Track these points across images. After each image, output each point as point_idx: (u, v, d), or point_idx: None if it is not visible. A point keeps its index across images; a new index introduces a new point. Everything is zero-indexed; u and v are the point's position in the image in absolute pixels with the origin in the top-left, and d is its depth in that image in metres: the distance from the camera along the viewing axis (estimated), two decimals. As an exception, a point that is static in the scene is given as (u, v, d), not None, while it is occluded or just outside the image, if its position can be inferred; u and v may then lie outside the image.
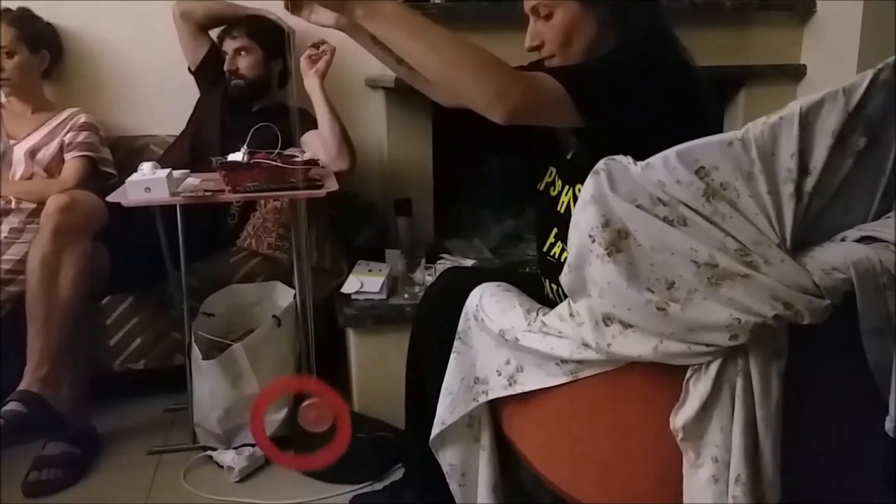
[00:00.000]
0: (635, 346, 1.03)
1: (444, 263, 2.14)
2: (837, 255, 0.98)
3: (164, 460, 1.88)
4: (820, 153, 0.96)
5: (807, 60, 2.44)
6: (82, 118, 2.21)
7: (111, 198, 1.73)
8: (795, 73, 2.45)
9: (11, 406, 1.63)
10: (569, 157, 1.39)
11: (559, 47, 1.30)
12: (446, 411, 1.29)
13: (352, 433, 1.80)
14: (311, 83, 2.02)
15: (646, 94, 1.20)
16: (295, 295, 1.96)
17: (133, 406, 2.12)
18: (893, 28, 2.14)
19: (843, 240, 1.02)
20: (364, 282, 2.01)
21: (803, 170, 0.96)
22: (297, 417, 1.21)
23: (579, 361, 1.11)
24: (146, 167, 1.74)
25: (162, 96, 2.40)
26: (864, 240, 1.01)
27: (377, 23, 1.14)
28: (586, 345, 1.07)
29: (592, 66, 1.26)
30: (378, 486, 1.73)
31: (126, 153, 2.33)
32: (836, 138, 0.96)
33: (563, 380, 1.13)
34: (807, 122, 0.95)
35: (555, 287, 1.36)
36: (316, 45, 2.01)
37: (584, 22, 1.28)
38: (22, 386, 1.69)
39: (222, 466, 1.81)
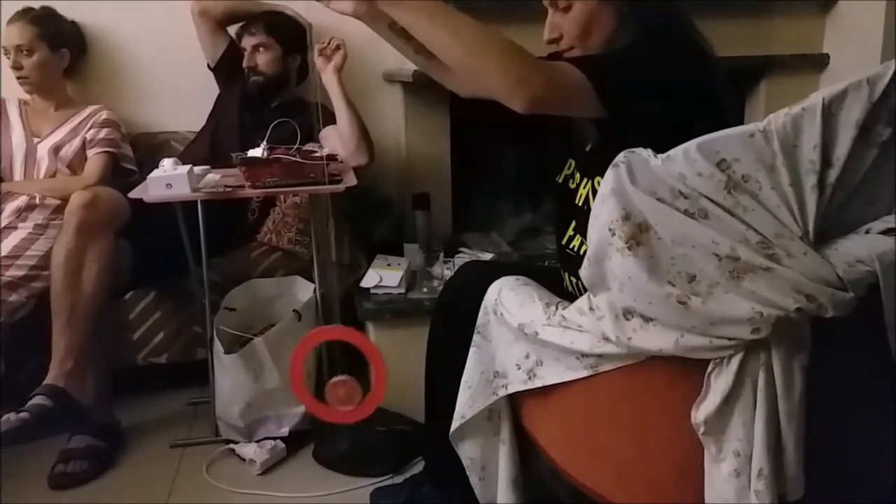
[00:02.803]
0: (656, 340, 1.02)
1: (463, 257, 2.15)
2: (861, 248, 0.97)
3: (186, 453, 1.90)
4: (843, 144, 0.95)
5: (829, 50, 2.41)
6: (104, 115, 2.23)
7: (133, 194, 1.74)
8: (818, 63, 2.42)
9: (37, 400, 1.65)
10: (588, 149, 1.38)
11: (578, 39, 1.29)
12: (466, 405, 1.29)
13: (371, 427, 1.83)
14: (329, 78, 2.03)
15: (667, 85, 1.19)
16: (315, 289, 1.97)
17: (156, 400, 2.15)
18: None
19: (867, 232, 1.01)
20: (383, 276, 2.01)
21: (826, 161, 0.95)
22: (326, 395, 1.21)
23: (599, 355, 1.10)
24: (167, 163, 1.76)
25: (182, 93, 2.42)
26: (888, 232, 1.00)
27: (400, 10, 1.13)
28: (606, 339, 1.07)
29: (615, 55, 1.25)
30: (398, 479, 1.74)
31: (147, 150, 2.35)
32: (859, 129, 0.94)
33: (583, 374, 1.13)
34: (830, 113, 0.94)
35: (574, 280, 1.35)
36: (328, 42, 2.02)
37: (603, 13, 1.27)
38: (48, 380, 1.71)
39: (244, 459, 1.83)
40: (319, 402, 1.24)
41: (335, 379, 1.24)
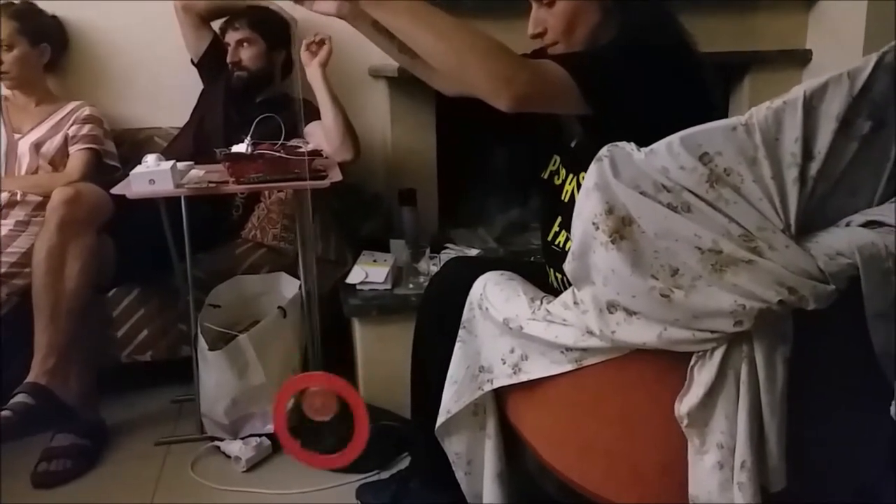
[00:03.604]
0: (640, 333, 1.03)
1: (449, 253, 2.15)
2: (842, 240, 0.98)
3: (171, 451, 1.89)
4: (824, 137, 0.95)
5: (812, 45, 2.43)
6: (86, 111, 2.21)
7: (116, 190, 1.73)
8: (801, 59, 2.44)
9: (19, 398, 1.64)
10: (573, 145, 1.38)
11: (562, 34, 1.29)
12: (451, 400, 1.29)
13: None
14: (314, 73, 2.02)
15: (650, 80, 1.19)
16: (300, 286, 1.96)
17: (140, 397, 2.13)
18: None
19: (848, 224, 1.02)
20: (369, 272, 2.01)
21: (807, 154, 0.95)
22: (302, 405, 1.21)
23: (584, 349, 1.10)
24: (150, 159, 1.75)
25: (165, 89, 2.40)
26: (869, 224, 1.00)
27: (382, 11, 1.13)
28: (591, 332, 1.07)
29: (598, 52, 1.26)
30: (384, 474, 1.74)
31: (130, 146, 2.34)
32: (840, 122, 0.95)
33: (568, 367, 1.13)
34: (811, 106, 0.94)
35: (559, 276, 1.36)
36: (314, 37, 2.01)
37: (587, 8, 1.27)
38: (30, 378, 1.70)
39: (229, 457, 1.82)
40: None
41: (312, 389, 1.23)
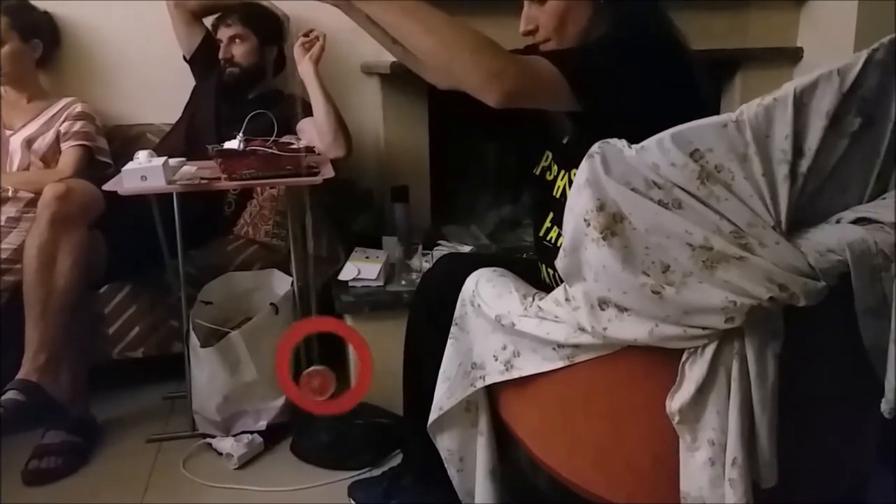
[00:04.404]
0: (631, 329, 1.03)
1: (441, 250, 2.14)
2: (832, 237, 0.98)
3: (163, 448, 1.89)
4: (814, 134, 0.95)
5: (803, 43, 2.44)
6: (78, 107, 2.20)
7: (107, 186, 1.73)
8: (792, 56, 2.45)
9: (10, 395, 1.63)
10: (564, 141, 1.38)
11: (554, 31, 1.29)
12: (444, 397, 1.29)
13: (350, 419, 1.83)
14: (306, 70, 2.02)
15: (642, 77, 1.19)
16: (292, 282, 1.96)
17: (132, 394, 2.13)
18: (892, 9, 2.13)
19: (838, 221, 1.02)
20: (361, 269, 2.01)
21: (798, 151, 0.96)
22: (300, 385, 1.22)
23: (575, 346, 1.10)
24: (142, 155, 1.74)
25: (158, 85, 2.39)
26: (859, 221, 1.01)
27: (374, 6, 1.14)
28: (582, 329, 1.07)
29: (589, 49, 1.26)
30: (376, 471, 1.74)
31: (122, 142, 2.33)
32: (830, 119, 0.95)
33: (560, 364, 1.13)
34: (801, 102, 0.94)
35: (551, 272, 1.36)
36: (307, 33, 2.01)
37: (579, 6, 1.27)
38: (20, 375, 1.69)
39: (221, 454, 1.82)
40: (305, 395, 1.24)
41: (311, 369, 1.24)
